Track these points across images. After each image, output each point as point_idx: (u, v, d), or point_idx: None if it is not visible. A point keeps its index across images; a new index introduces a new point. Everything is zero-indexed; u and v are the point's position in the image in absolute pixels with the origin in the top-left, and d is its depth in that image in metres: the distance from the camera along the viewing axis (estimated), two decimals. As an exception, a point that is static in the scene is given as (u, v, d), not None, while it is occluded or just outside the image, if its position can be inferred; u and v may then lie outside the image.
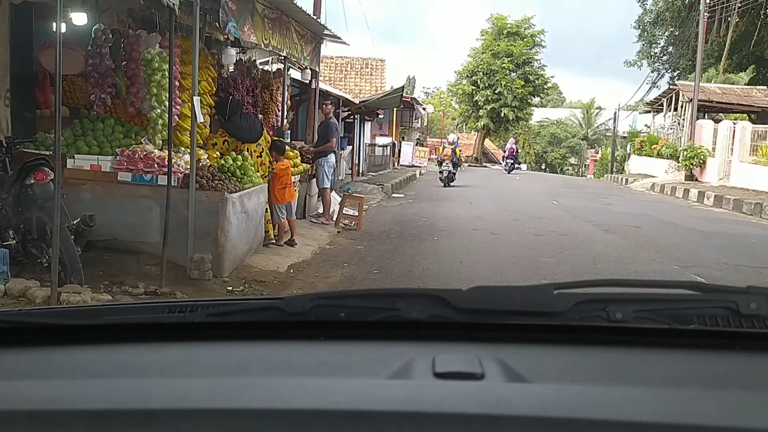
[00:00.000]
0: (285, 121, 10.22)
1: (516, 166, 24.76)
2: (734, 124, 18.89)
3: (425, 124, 34.22)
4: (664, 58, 31.03)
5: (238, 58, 8.42)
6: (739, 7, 24.13)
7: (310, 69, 10.25)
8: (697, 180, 19.32)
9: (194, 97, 5.74)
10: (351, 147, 17.30)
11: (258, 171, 7.16)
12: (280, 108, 9.84)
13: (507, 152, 25.17)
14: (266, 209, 7.38)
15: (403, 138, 28.28)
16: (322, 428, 0.77)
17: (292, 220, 7.80)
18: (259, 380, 0.89)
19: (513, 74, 34.46)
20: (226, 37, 6.76)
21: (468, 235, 9.19)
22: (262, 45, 7.40)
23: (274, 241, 7.52)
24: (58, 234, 4.43)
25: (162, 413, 0.79)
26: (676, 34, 28.76)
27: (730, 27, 24.56)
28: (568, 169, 45.70)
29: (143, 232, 5.83)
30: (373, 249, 8.00)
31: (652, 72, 31.37)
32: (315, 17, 9.70)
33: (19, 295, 4.55)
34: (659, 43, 31.15)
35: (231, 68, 8.04)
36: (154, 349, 1.05)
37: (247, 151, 7.21)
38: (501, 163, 31.69)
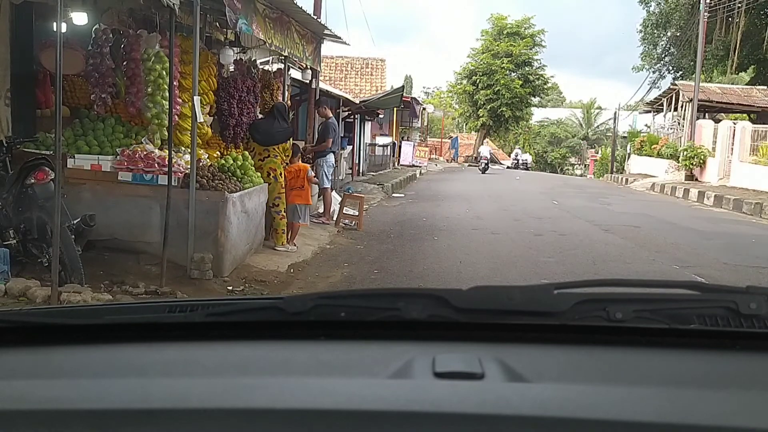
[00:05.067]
0: (285, 120, 10.21)
1: (489, 166, 28.59)
2: (734, 124, 18.89)
3: (425, 124, 34.22)
4: (666, 59, 31.04)
5: (238, 57, 8.42)
6: (739, 7, 24.12)
7: (311, 69, 10.25)
8: (697, 180, 19.31)
9: (194, 97, 5.74)
10: (351, 147, 17.31)
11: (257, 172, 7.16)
12: (281, 108, 9.83)
13: (482, 157, 28.53)
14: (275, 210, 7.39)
15: (403, 138, 28.29)
16: (322, 428, 0.77)
17: (296, 224, 7.74)
18: (259, 380, 0.89)
19: (513, 74, 34.50)
20: (225, 36, 6.76)
21: (468, 235, 9.19)
22: (267, 44, 7.40)
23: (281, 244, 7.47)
24: (59, 233, 4.43)
25: (162, 413, 0.79)
26: (678, 35, 28.77)
27: (739, 27, 24.52)
28: (568, 169, 45.73)
29: (143, 231, 5.83)
30: (374, 249, 8.00)
31: (654, 73, 31.42)
32: (315, 17, 9.69)
33: (20, 295, 4.55)
34: (661, 45, 31.17)
35: (231, 68, 8.04)
36: (155, 349, 1.05)
37: (253, 150, 7.27)
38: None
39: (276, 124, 7.49)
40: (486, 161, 27.39)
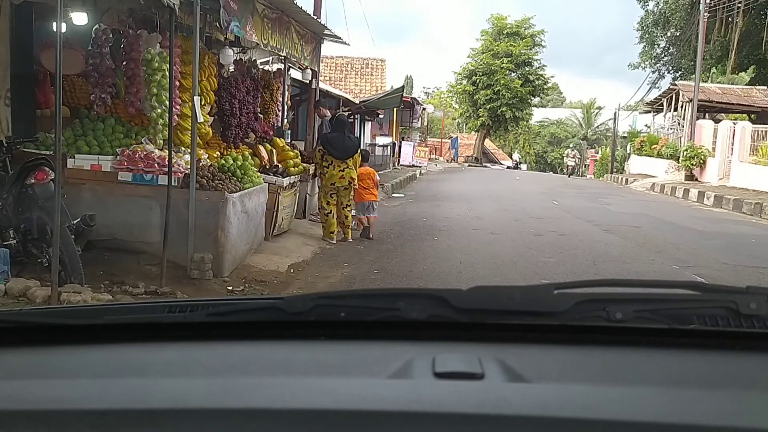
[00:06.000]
0: (285, 121, 10.23)
1: (519, 167, 38.63)
2: (734, 124, 18.89)
3: (425, 124, 34.23)
4: (665, 59, 31.05)
5: (238, 58, 8.43)
6: (739, 7, 24.12)
7: (311, 69, 10.25)
8: (697, 180, 19.31)
9: (194, 97, 5.74)
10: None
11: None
12: (280, 108, 9.85)
13: (514, 160, 41.41)
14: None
15: (403, 138, 28.30)
16: (322, 428, 0.77)
17: (367, 218, 8.78)
18: (259, 380, 0.89)
19: (513, 74, 34.53)
20: (225, 37, 6.77)
21: (468, 235, 9.19)
22: (262, 45, 7.40)
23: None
24: (59, 234, 4.43)
25: (162, 413, 0.79)
26: (677, 35, 28.78)
27: (737, 27, 24.52)
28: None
29: (143, 231, 5.83)
30: (373, 249, 8.00)
31: (653, 73, 31.43)
32: (315, 17, 9.70)
33: (20, 295, 4.55)
34: (660, 44, 31.19)
35: (231, 68, 8.05)
36: (155, 349, 1.05)
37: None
38: (501, 164, 40.30)
39: (347, 139, 8.45)
40: (516, 162, 38.73)
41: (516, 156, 44.47)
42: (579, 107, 50.19)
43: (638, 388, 0.86)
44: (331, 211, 8.39)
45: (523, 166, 42.28)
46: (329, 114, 10.02)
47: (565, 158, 36.39)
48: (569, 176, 29.43)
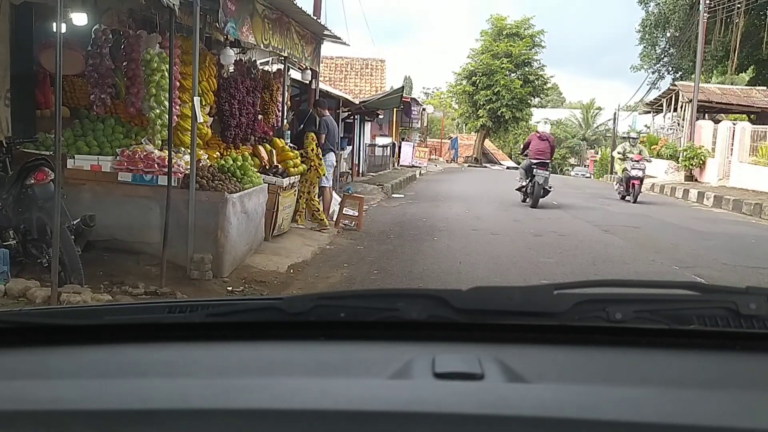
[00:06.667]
0: (285, 121, 10.22)
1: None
2: (734, 124, 18.90)
3: (425, 124, 34.25)
4: (665, 59, 31.07)
5: (238, 58, 8.43)
6: (739, 8, 24.12)
7: (311, 69, 10.25)
8: (696, 180, 19.31)
9: (194, 98, 5.74)
10: (351, 147, 17.31)
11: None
12: (280, 108, 9.85)
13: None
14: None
15: (403, 138, 28.30)
16: (322, 428, 0.77)
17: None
18: (259, 380, 0.89)
19: (512, 75, 34.55)
20: (226, 37, 6.77)
21: (468, 236, 9.19)
22: (262, 45, 7.40)
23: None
24: (59, 234, 4.42)
25: (162, 413, 0.79)
26: (677, 35, 28.79)
27: (738, 28, 24.52)
28: (567, 170, 45.79)
29: (143, 232, 5.83)
30: (373, 249, 8.00)
31: (653, 73, 31.44)
32: (315, 17, 9.69)
33: (19, 295, 4.55)
34: (660, 45, 31.21)
35: (231, 68, 8.04)
36: (154, 349, 1.05)
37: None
38: (501, 164, 38.66)
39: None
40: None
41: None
42: (579, 108, 50.28)
43: (638, 389, 0.86)
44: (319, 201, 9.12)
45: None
46: (326, 113, 10.00)
47: (618, 163, 17.15)
48: (633, 200, 14.69)
